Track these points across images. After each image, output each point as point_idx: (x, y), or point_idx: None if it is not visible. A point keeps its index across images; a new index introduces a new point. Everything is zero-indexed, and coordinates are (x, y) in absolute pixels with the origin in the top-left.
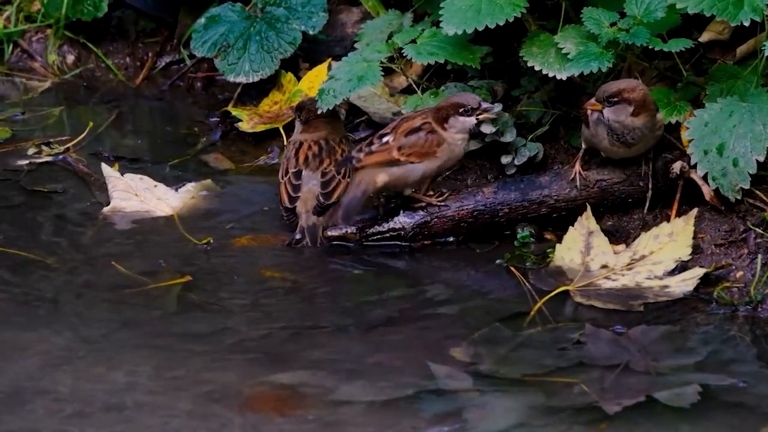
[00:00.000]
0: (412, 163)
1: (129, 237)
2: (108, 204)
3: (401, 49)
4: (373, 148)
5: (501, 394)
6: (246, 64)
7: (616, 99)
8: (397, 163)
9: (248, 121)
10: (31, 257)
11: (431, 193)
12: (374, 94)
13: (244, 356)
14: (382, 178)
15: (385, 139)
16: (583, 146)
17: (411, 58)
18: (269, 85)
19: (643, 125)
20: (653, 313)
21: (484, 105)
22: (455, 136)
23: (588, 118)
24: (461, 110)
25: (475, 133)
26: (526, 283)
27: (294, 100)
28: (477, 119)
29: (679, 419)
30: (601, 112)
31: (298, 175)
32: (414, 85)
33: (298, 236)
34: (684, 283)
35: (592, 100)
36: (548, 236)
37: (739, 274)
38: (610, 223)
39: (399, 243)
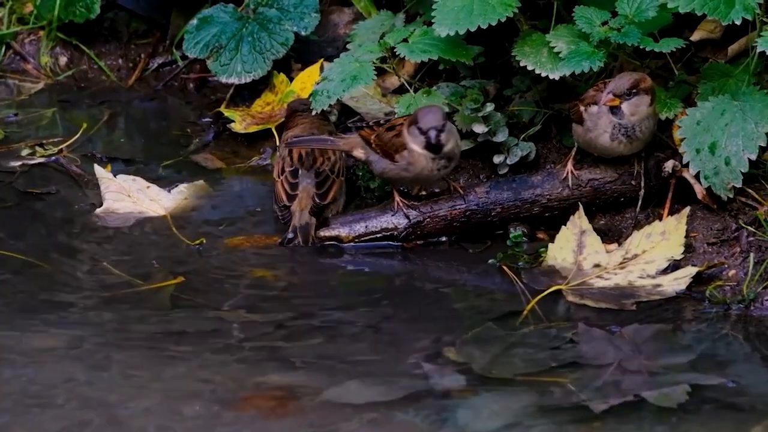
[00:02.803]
0: (377, 154)
1: (122, 238)
2: (101, 205)
3: (393, 48)
4: (370, 124)
5: (494, 393)
6: (238, 65)
7: (635, 90)
8: (370, 146)
9: (241, 122)
10: (24, 259)
11: (423, 194)
12: (366, 94)
13: (236, 357)
14: (359, 152)
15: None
16: (576, 145)
17: (404, 57)
18: (262, 86)
19: (654, 114)
20: (646, 312)
21: (433, 133)
22: (411, 145)
23: (582, 115)
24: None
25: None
26: (519, 283)
27: (286, 100)
28: (426, 138)
29: (667, 418)
30: (618, 107)
31: (294, 173)
32: (406, 85)
33: (290, 235)
34: (676, 282)
35: (609, 95)
36: (541, 236)
37: (732, 272)
38: (602, 222)
39: (391, 243)
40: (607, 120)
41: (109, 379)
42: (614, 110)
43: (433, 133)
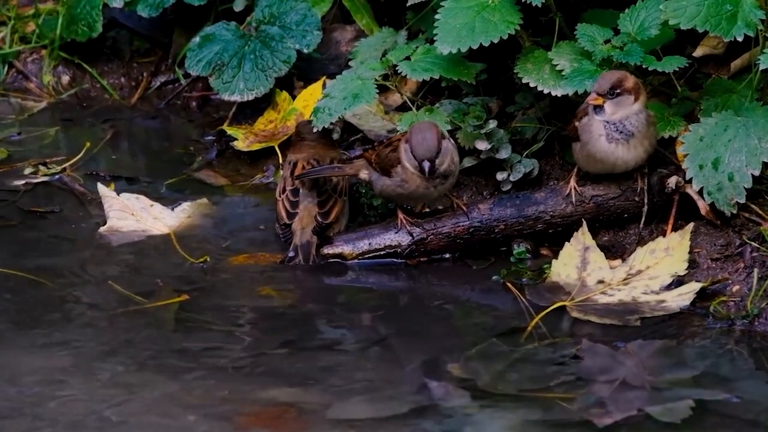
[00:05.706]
0: (377, 172)
1: (126, 256)
2: (105, 224)
3: (396, 66)
4: (374, 145)
5: (498, 409)
6: (241, 83)
7: (618, 90)
8: (372, 165)
9: (244, 140)
10: (28, 277)
11: (426, 211)
12: (369, 112)
13: (241, 374)
14: (364, 173)
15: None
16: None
17: (406, 75)
18: (264, 103)
19: (640, 110)
20: (650, 327)
21: (426, 165)
22: (405, 162)
23: (577, 131)
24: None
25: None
26: (523, 299)
27: (289, 118)
28: (420, 167)
29: None
30: (602, 106)
31: (295, 192)
32: (409, 103)
33: (291, 254)
34: (680, 298)
35: (593, 95)
36: (544, 252)
37: (736, 288)
38: (605, 238)
39: (395, 260)
40: (597, 123)
41: (114, 397)
42: (597, 109)
43: (426, 165)
